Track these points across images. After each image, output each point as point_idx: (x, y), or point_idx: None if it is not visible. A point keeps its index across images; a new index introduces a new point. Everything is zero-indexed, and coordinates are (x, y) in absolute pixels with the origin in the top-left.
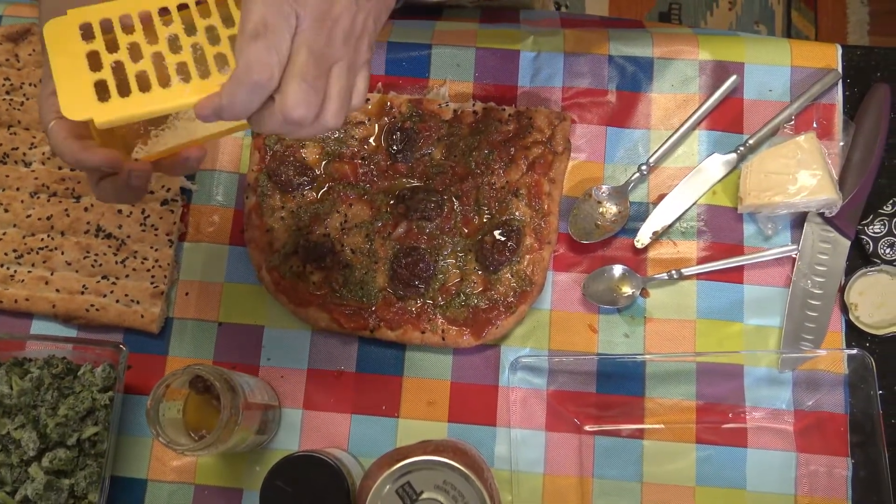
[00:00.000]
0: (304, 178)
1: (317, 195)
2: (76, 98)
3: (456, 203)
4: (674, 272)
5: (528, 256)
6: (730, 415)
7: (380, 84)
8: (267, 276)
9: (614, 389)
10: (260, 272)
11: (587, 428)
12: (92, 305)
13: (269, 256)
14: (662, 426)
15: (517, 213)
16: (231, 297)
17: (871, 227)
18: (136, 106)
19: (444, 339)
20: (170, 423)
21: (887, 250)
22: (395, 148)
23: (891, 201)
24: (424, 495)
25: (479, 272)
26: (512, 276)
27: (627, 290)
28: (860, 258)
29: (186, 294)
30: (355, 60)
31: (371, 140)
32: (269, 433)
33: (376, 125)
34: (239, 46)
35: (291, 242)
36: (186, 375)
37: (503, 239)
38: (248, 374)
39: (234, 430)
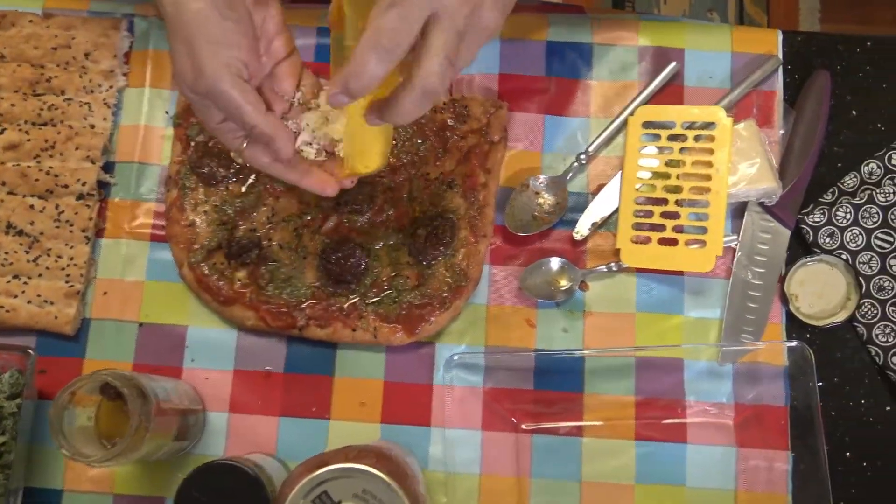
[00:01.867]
0: (229, 170)
1: (242, 188)
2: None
3: (388, 195)
4: (613, 264)
5: (462, 250)
6: (670, 410)
7: (308, 71)
8: (189, 274)
9: (553, 386)
10: (182, 269)
11: (524, 426)
12: (2, 307)
13: (191, 253)
14: (601, 423)
15: (451, 205)
16: (152, 295)
17: (811, 216)
18: None
19: (375, 336)
20: (80, 432)
21: (827, 240)
22: None
23: (831, 190)
24: None
25: (413, 267)
26: (446, 270)
27: (566, 283)
28: (800, 248)
29: (104, 293)
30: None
31: None
32: (191, 439)
33: None
34: (373, 14)
35: (215, 238)
36: (94, 381)
37: (437, 232)
38: (171, 376)
39: (146, 438)
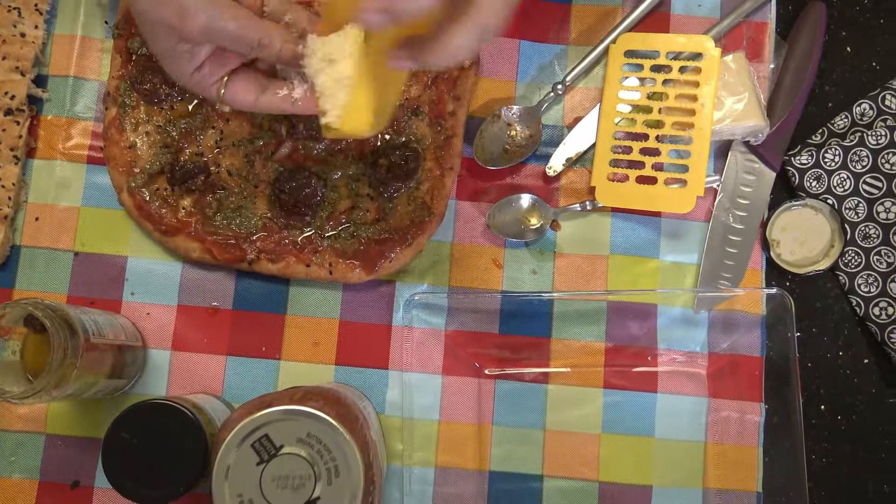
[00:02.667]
0: (174, 87)
1: (188, 108)
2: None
3: None
4: (587, 203)
5: (427, 183)
6: (641, 358)
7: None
8: (129, 200)
9: (519, 330)
10: (121, 195)
11: (488, 371)
12: None
13: (131, 177)
14: (569, 370)
15: (416, 134)
16: (88, 223)
17: (797, 157)
18: None
19: (331, 273)
20: (4, 367)
21: (813, 183)
22: None
23: (820, 131)
24: (285, 450)
25: (373, 199)
26: (409, 204)
27: (536, 221)
28: (785, 192)
29: (36, 219)
30: None
31: None
32: (129, 377)
33: None
34: None
35: (157, 161)
36: (15, 311)
37: (400, 162)
38: (109, 310)
39: (72, 375)
